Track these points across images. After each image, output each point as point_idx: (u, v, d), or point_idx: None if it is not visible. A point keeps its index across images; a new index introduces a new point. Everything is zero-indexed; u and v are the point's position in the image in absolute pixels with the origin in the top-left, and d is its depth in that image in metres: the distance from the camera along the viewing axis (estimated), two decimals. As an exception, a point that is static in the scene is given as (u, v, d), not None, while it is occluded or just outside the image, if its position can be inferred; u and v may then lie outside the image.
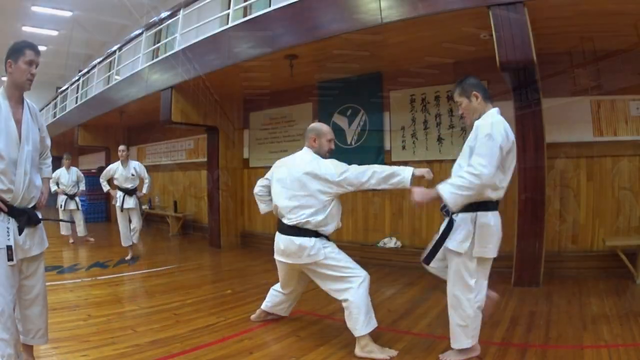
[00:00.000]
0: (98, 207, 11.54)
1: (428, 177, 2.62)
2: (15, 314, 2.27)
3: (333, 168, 2.78)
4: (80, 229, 7.71)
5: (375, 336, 3.01)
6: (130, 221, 6.26)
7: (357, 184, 2.71)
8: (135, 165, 6.42)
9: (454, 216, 2.46)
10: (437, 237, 2.52)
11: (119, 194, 6.24)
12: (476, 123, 2.43)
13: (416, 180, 2.59)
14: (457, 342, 2.50)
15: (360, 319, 2.65)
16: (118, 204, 6.21)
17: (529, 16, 3.44)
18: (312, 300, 3.99)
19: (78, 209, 7.72)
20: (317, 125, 3.09)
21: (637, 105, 4.50)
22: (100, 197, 11.59)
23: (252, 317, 3.45)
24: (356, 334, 2.68)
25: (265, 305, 3.39)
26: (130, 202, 6.25)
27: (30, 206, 2.24)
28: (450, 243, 2.44)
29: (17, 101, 2.23)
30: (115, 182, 6.32)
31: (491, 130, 2.29)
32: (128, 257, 6.08)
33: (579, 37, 4.24)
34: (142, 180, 6.44)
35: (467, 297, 2.41)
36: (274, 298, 3.35)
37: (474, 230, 2.38)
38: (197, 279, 4.99)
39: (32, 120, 2.28)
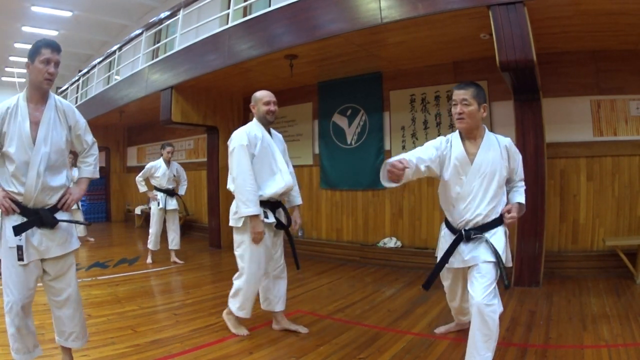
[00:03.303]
0: (98, 207, 11.54)
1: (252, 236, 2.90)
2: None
3: (232, 168, 2.94)
4: (80, 229, 7.69)
5: (375, 336, 3.03)
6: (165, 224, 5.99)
7: None
8: (177, 166, 6.20)
9: (483, 233, 2.38)
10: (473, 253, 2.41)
11: (160, 194, 5.95)
12: (506, 144, 2.44)
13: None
14: (480, 356, 2.25)
15: (231, 296, 3.08)
16: (161, 205, 5.90)
17: (529, 16, 3.44)
18: (312, 300, 3.99)
19: (78, 208, 7.72)
20: (255, 93, 3.10)
21: (637, 105, 4.50)
22: (100, 197, 11.61)
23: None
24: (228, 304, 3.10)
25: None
26: (173, 203, 5.98)
27: (47, 207, 2.19)
28: (493, 256, 2.32)
29: (37, 102, 2.18)
30: (154, 182, 6.02)
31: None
32: (149, 261, 5.87)
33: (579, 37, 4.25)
34: (178, 182, 6.19)
35: (496, 304, 2.27)
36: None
37: (506, 240, 2.42)
38: (197, 279, 4.99)
39: (59, 120, 2.22)
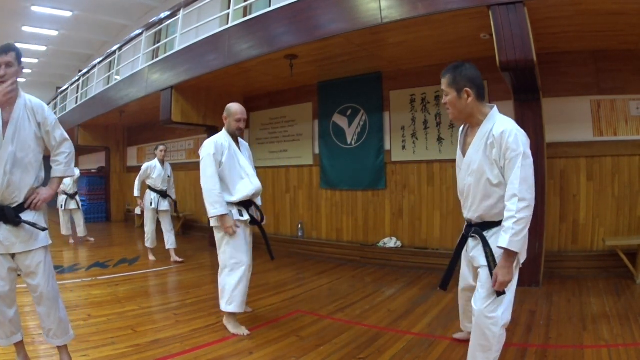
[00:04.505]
0: (98, 207, 11.55)
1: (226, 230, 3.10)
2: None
3: (201, 173, 3.19)
4: (80, 229, 7.72)
5: (375, 336, 3.03)
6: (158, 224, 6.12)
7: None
8: (169, 167, 6.27)
9: (484, 233, 2.18)
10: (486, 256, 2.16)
11: (153, 195, 6.07)
12: (494, 132, 2.05)
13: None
14: None
15: (221, 298, 3.17)
16: (153, 205, 6.05)
17: (529, 16, 3.44)
18: (312, 300, 3.99)
19: (79, 208, 7.74)
20: (230, 105, 3.38)
21: (637, 105, 4.50)
22: (100, 197, 11.62)
23: None
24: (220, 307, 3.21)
25: None
26: (165, 204, 6.12)
27: (13, 205, 2.24)
28: (485, 259, 2.14)
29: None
30: (149, 182, 6.12)
31: (524, 146, 1.99)
32: (152, 258, 6.03)
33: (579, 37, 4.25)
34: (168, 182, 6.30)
35: (497, 316, 2.07)
36: None
37: None
38: (197, 278, 4.99)
39: (27, 119, 2.26)
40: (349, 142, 6.17)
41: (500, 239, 2.01)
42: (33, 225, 2.30)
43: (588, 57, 4.61)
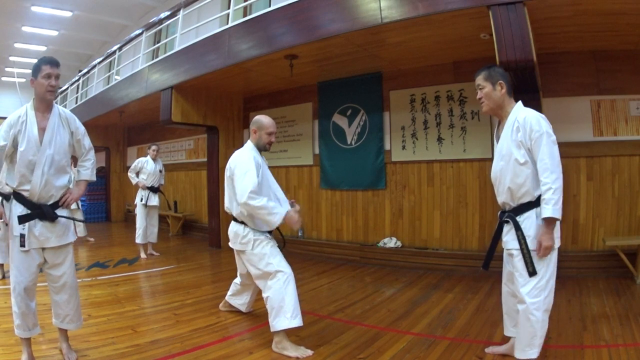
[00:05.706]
0: (98, 207, 11.54)
1: (295, 226, 2.89)
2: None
3: (241, 187, 2.84)
4: (80, 229, 7.70)
5: (375, 336, 3.02)
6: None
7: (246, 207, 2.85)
8: (160, 163, 6.58)
9: (517, 218, 2.35)
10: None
11: (143, 191, 6.35)
12: (518, 118, 2.33)
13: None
14: (522, 352, 2.28)
15: (274, 315, 2.78)
16: (143, 201, 6.30)
17: (529, 16, 3.44)
18: (312, 300, 3.99)
19: (78, 208, 7.72)
20: (260, 117, 3.17)
21: (637, 105, 4.50)
22: (100, 197, 11.61)
23: (220, 305, 3.72)
24: (271, 329, 2.81)
25: (227, 295, 3.63)
26: (155, 200, 6.43)
27: (49, 203, 2.48)
28: (517, 242, 2.34)
29: (43, 111, 2.49)
30: (141, 179, 6.40)
31: (545, 127, 2.30)
32: (143, 255, 6.22)
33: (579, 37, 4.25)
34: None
35: (539, 301, 2.25)
36: (232, 287, 3.60)
37: (542, 223, 2.29)
38: (197, 279, 4.99)
39: (62, 126, 2.54)
40: (349, 142, 6.17)
41: (543, 211, 2.22)
42: (72, 218, 2.61)
43: (588, 57, 4.62)
